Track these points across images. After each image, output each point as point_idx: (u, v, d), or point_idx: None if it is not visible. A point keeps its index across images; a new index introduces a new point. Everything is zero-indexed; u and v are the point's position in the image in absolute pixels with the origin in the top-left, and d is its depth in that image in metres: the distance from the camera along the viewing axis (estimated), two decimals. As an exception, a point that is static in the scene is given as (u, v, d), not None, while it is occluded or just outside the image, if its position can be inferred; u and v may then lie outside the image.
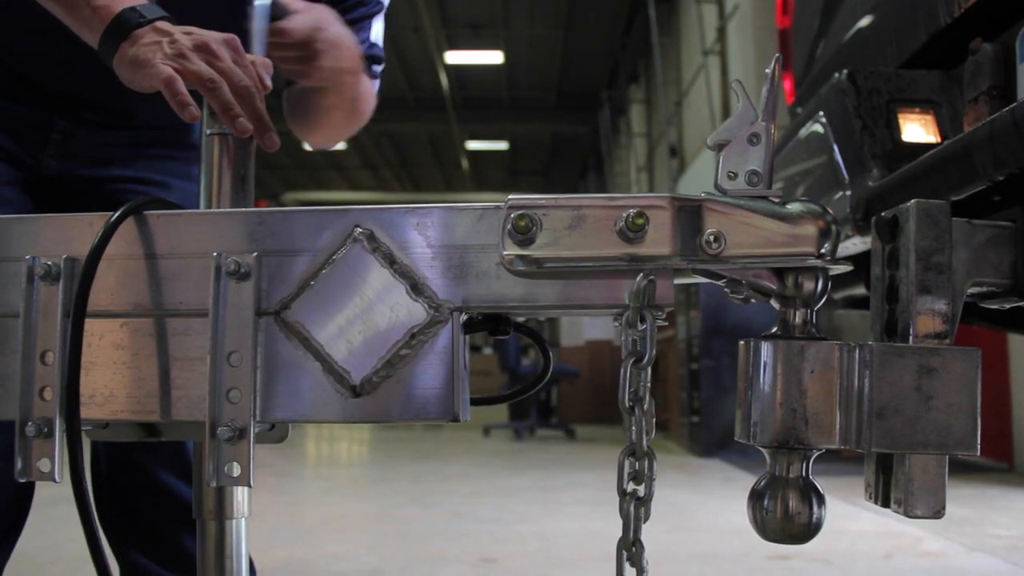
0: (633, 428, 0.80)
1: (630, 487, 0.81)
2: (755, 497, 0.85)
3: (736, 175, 0.82)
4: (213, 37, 1.06)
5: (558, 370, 9.93)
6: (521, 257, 0.82)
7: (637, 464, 0.80)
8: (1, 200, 1.37)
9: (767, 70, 0.81)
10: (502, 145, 20.75)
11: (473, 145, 20.70)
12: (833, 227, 0.81)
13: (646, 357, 0.80)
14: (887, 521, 4.11)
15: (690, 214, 0.81)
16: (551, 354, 1.02)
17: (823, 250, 0.81)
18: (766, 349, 0.83)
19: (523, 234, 0.81)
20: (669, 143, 12.47)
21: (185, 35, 1.06)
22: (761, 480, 0.85)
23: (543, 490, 5.51)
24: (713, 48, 9.91)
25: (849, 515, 4.28)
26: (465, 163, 22.12)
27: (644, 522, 0.81)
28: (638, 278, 0.81)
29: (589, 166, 21.95)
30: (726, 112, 9.25)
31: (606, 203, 0.82)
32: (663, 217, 0.81)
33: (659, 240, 0.81)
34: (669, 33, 12.84)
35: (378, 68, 1.58)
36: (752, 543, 3.61)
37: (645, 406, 0.80)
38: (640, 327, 0.81)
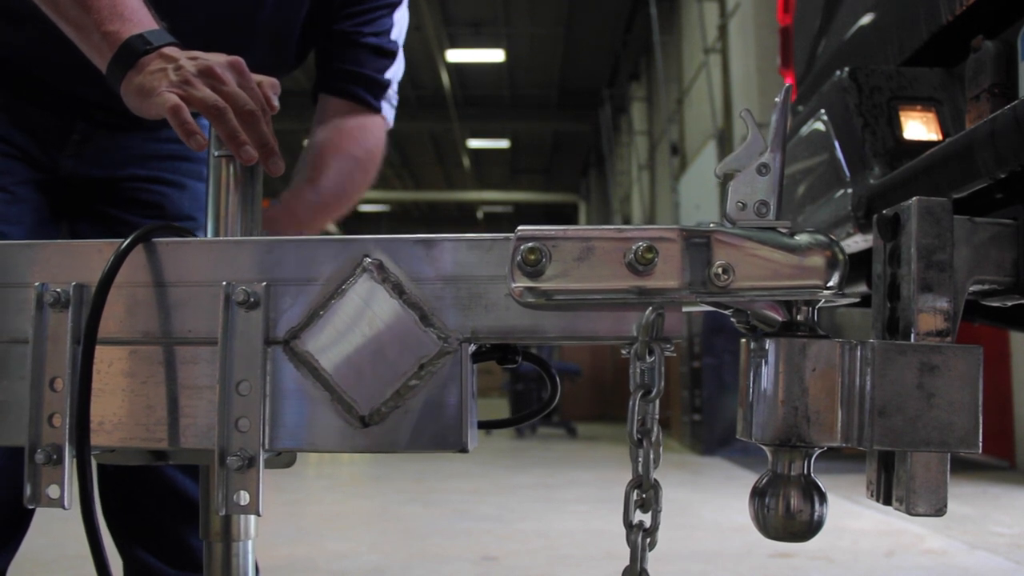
0: (640, 460, 0.80)
1: (636, 518, 0.81)
2: (757, 495, 0.85)
3: (745, 205, 0.82)
4: (218, 61, 1.05)
5: (560, 368, 9.94)
6: (530, 289, 0.81)
7: (645, 495, 0.80)
8: (17, 199, 1.38)
9: (777, 99, 0.81)
10: (503, 143, 20.74)
11: (474, 143, 20.69)
12: (841, 258, 0.81)
13: (654, 390, 0.80)
14: (889, 519, 4.12)
15: (699, 246, 0.81)
16: (554, 371, 1.02)
17: (831, 282, 0.81)
18: (768, 347, 0.83)
19: (532, 266, 0.81)
20: (670, 141, 12.46)
21: (190, 60, 1.05)
22: (763, 478, 0.85)
23: (544, 488, 5.52)
24: (714, 46, 9.90)
25: (851, 513, 4.29)
26: (466, 161, 22.09)
27: (650, 551, 0.81)
28: (647, 311, 0.81)
29: (590, 164, 21.93)
30: (727, 110, 9.23)
31: (615, 235, 0.82)
32: (672, 249, 0.81)
33: (668, 273, 0.81)
34: (670, 31, 12.82)
35: (390, 101, 1.58)
36: (754, 541, 3.62)
37: (653, 438, 0.80)
38: (649, 359, 0.81)
